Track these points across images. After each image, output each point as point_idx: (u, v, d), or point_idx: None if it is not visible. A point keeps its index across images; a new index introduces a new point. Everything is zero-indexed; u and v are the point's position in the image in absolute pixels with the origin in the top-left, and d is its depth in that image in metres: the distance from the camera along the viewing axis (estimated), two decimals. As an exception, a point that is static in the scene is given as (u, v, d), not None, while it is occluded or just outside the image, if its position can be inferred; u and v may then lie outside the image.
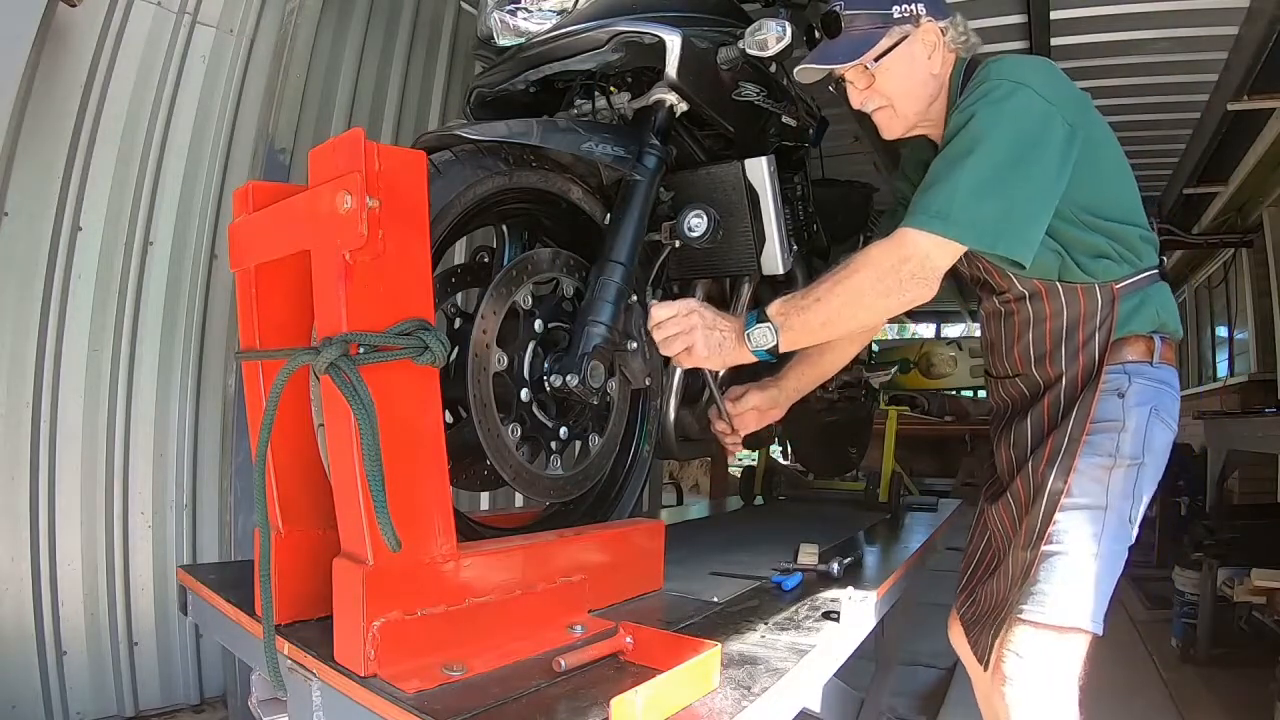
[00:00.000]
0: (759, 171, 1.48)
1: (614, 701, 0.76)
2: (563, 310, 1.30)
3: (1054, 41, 2.82)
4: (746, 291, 1.63)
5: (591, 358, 1.21)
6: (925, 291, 1.18)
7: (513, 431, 1.19)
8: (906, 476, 2.88)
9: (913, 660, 2.73)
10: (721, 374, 1.63)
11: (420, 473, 0.93)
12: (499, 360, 1.18)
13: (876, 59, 1.27)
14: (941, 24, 1.29)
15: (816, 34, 1.32)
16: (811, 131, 1.89)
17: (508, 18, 1.33)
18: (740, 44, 1.40)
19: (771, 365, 1.47)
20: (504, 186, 1.21)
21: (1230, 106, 3.20)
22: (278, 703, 1.09)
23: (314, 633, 1.00)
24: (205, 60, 2.35)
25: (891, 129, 1.36)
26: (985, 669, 1.31)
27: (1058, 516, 1.22)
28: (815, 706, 1.23)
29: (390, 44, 2.90)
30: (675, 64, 1.33)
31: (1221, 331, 6.45)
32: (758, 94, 1.55)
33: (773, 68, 1.63)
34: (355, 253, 0.87)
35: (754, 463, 2.92)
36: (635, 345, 1.28)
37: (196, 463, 2.41)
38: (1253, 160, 3.87)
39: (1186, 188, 4.47)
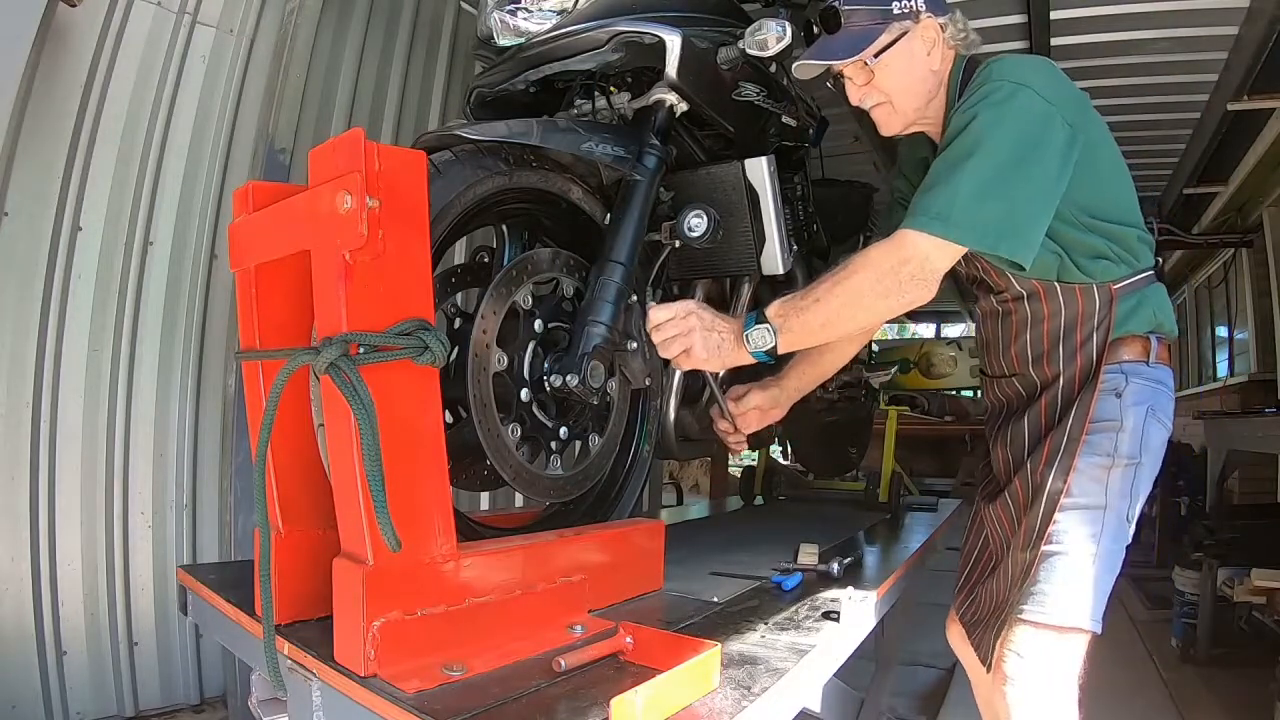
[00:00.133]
0: (759, 171, 1.48)
1: (614, 701, 0.76)
2: (563, 310, 1.30)
3: (1054, 41, 2.82)
4: (746, 292, 1.63)
5: (591, 358, 1.21)
6: (925, 293, 1.18)
7: (513, 431, 1.19)
8: (906, 476, 2.87)
9: (913, 660, 2.73)
10: (722, 374, 1.63)
11: (420, 473, 0.93)
12: (499, 360, 1.18)
13: (876, 55, 1.26)
14: (941, 20, 1.29)
15: (815, 29, 1.31)
16: (811, 131, 1.89)
17: (508, 18, 1.33)
18: (740, 44, 1.40)
19: (771, 365, 1.47)
20: (504, 186, 1.21)
21: (1230, 106, 3.20)
22: (278, 703, 1.09)
23: (314, 633, 1.00)
24: (205, 60, 2.35)
25: (890, 125, 1.36)
26: (988, 670, 1.31)
27: (1057, 516, 1.23)
28: (815, 706, 1.23)
29: (390, 44, 2.90)
30: (675, 64, 1.33)
31: (1221, 331, 6.45)
32: (758, 94, 1.55)
33: (773, 68, 1.63)
34: (355, 253, 0.87)
35: (754, 463, 2.92)
36: (635, 345, 1.28)
37: (196, 463, 2.41)
38: (1253, 160, 3.87)
39: (1186, 188, 4.47)
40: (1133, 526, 1.25)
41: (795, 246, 1.71)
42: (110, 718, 2.17)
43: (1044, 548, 1.23)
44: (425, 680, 0.87)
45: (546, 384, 1.24)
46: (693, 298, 1.65)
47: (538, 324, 1.24)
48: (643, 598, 1.30)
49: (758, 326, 1.24)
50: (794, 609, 1.26)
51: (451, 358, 1.14)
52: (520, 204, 1.34)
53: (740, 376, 1.61)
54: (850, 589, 1.31)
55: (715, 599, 1.31)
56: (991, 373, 1.44)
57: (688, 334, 1.25)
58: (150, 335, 2.30)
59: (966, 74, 1.27)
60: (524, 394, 1.22)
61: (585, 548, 1.19)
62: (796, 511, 2.56)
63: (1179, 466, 4.98)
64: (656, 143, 1.36)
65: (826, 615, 1.22)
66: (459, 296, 1.38)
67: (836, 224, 2.12)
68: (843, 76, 1.34)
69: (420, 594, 0.91)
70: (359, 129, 0.90)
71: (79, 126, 2.10)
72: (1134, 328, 1.26)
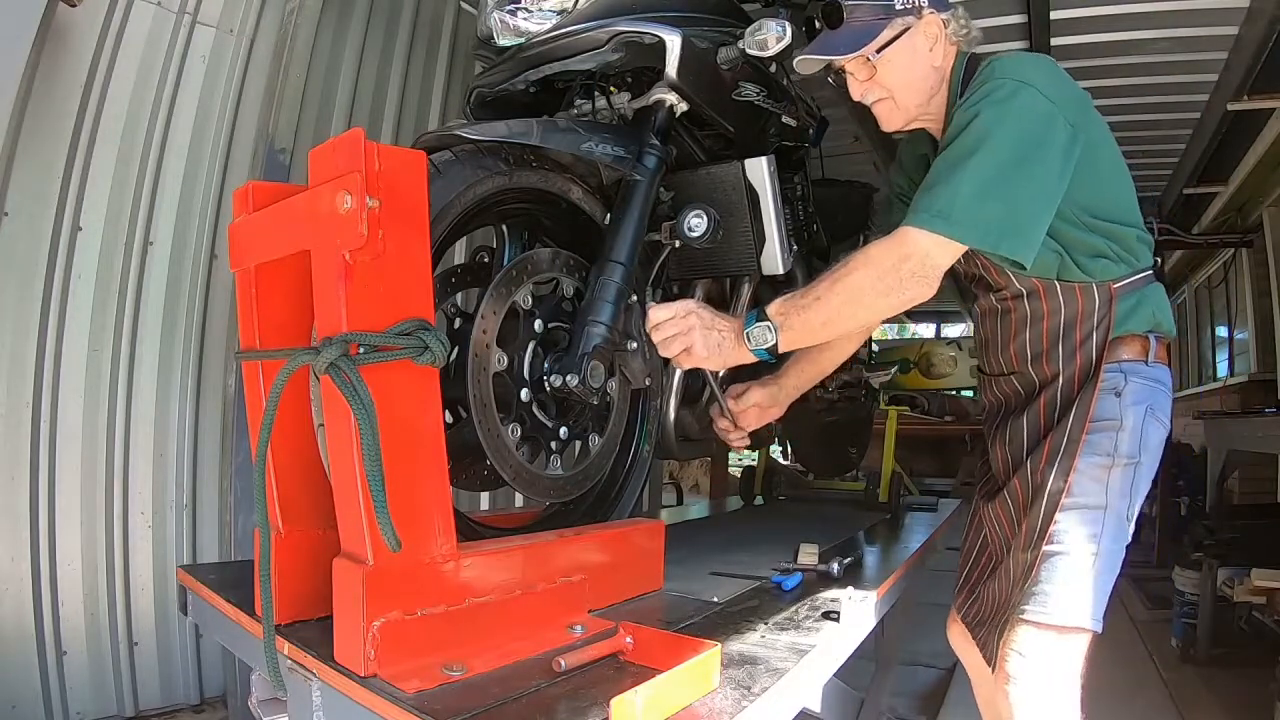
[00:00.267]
0: (759, 171, 1.48)
1: (614, 701, 0.76)
2: (563, 310, 1.30)
3: (1054, 41, 2.82)
4: (746, 291, 1.63)
5: (591, 358, 1.21)
6: (925, 290, 1.18)
7: (513, 431, 1.19)
8: (906, 476, 2.88)
9: (913, 660, 2.73)
10: (722, 374, 1.63)
11: (420, 473, 0.93)
12: (499, 360, 1.18)
13: (878, 51, 1.26)
14: (943, 16, 1.29)
15: (817, 24, 1.31)
16: (811, 131, 1.89)
17: (508, 18, 1.33)
18: (740, 44, 1.40)
19: (771, 364, 1.47)
20: (504, 186, 1.21)
21: (1230, 106, 3.20)
22: (278, 703, 1.09)
23: (314, 633, 1.00)
24: (205, 60, 2.35)
25: (891, 121, 1.36)
26: (992, 669, 1.31)
27: (1058, 516, 1.23)
28: (815, 706, 1.23)
29: (390, 44, 2.90)
30: (675, 64, 1.32)
31: (1221, 331, 6.45)
32: (758, 94, 1.54)
33: (773, 68, 1.63)
34: (355, 253, 0.87)
35: (754, 463, 2.92)
36: (635, 345, 1.28)
37: (196, 463, 2.41)
38: (1253, 160, 3.87)
39: (1186, 188, 4.47)
40: (1132, 526, 1.26)
41: (795, 246, 1.71)
42: (110, 718, 2.17)
43: (1045, 548, 1.23)
44: (425, 680, 0.87)
45: (546, 384, 1.23)
46: (693, 298, 1.65)
47: (538, 324, 1.24)
48: (643, 598, 1.30)
49: (758, 324, 1.24)
50: (794, 609, 1.26)
51: (451, 358, 1.14)
52: (520, 204, 1.34)
53: (740, 376, 1.61)
54: (850, 589, 1.31)
55: (715, 599, 1.31)
56: (990, 371, 1.44)
57: (687, 332, 1.25)
58: (150, 335, 2.30)
59: (968, 71, 1.27)
60: (524, 394, 1.22)
61: (585, 548, 1.19)
62: (796, 511, 2.56)
63: (1179, 466, 4.98)
64: (656, 143, 1.36)
65: (826, 615, 1.22)
66: (459, 296, 1.38)
67: (836, 224, 2.12)
68: (844, 72, 1.34)
69: (420, 594, 0.91)
70: (359, 129, 0.90)
71: (79, 126, 2.10)
72: (1133, 327, 1.27)
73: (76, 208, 2.12)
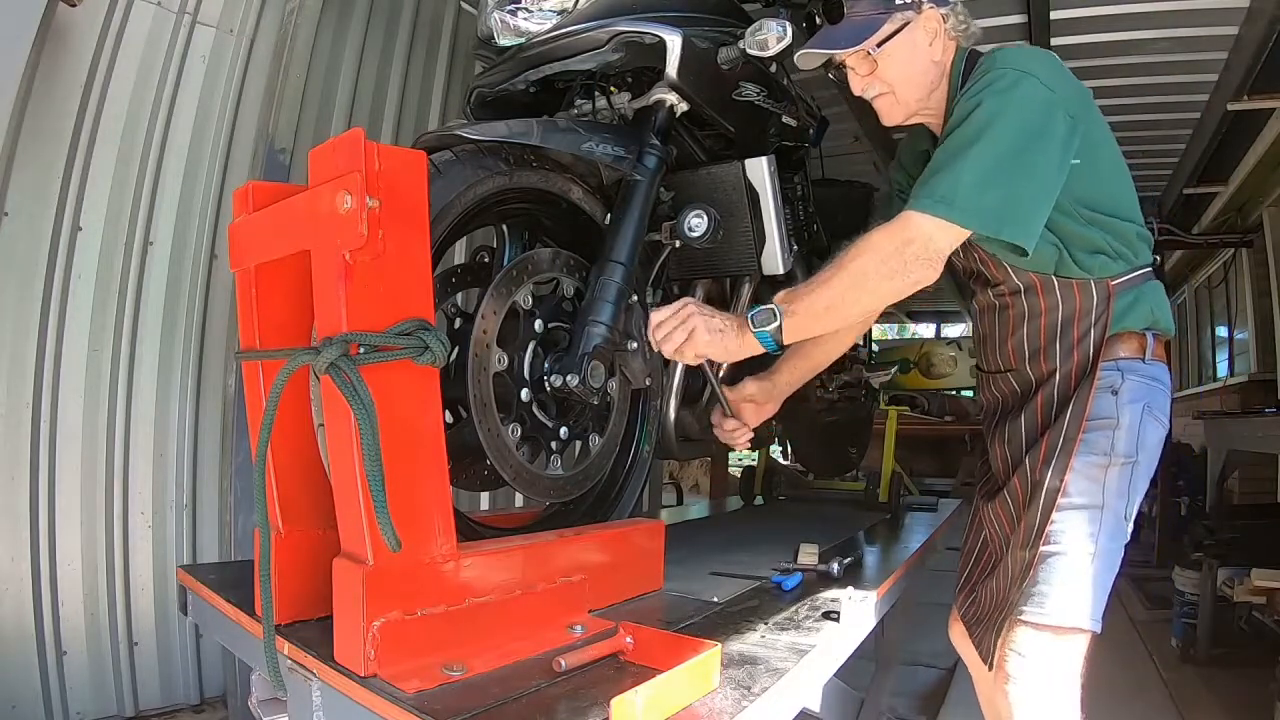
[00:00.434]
0: (759, 171, 1.48)
1: (614, 701, 0.76)
2: (563, 310, 1.30)
3: (1054, 41, 2.82)
4: (747, 291, 1.63)
5: (592, 358, 1.21)
6: (929, 273, 1.18)
7: (513, 431, 1.19)
8: (906, 476, 2.88)
9: (913, 660, 2.73)
10: (722, 374, 1.63)
11: (420, 473, 0.93)
12: (499, 360, 1.18)
13: (878, 45, 1.27)
14: (943, 11, 1.29)
15: (817, 20, 1.32)
16: (811, 131, 1.89)
17: (508, 18, 1.33)
18: (740, 44, 1.40)
19: (771, 359, 1.47)
20: (504, 186, 1.21)
21: (1230, 106, 3.20)
22: (278, 703, 1.09)
23: (314, 633, 1.00)
24: (205, 60, 2.35)
25: (892, 116, 1.36)
26: (990, 669, 1.31)
27: (1055, 516, 1.23)
28: (815, 706, 1.23)
29: (390, 44, 2.90)
30: (675, 64, 1.33)
31: (1221, 331, 6.45)
32: (758, 94, 1.55)
33: (773, 68, 1.63)
34: (355, 253, 0.87)
35: (754, 463, 2.92)
36: (635, 345, 1.28)
37: (196, 463, 2.41)
38: (1253, 160, 3.87)
39: (1186, 188, 4.47)
40: (1131, 525, 1.26)
41: (795, 246, 1.71)
42: (110, 718, 2.17)
43: (1042, 548, 1.23)
44: (425, 680, 0.87)
45: (547, 384, 1.24)
46: (692, 297, 1.65)
47: (538, 324, 1.24)
48: (643, 598, 1.30)
49: (762, 309, 1.25)
50: (794, 609, 1.26)
51: (452, 358, 1.14)
52: (520, 204, 1.34)
53: (738, 378, 1.61)
54: (850, 589, 1.31)
55: (715, 599, 1.31)
56: (987, 368, 1.44)
57: (687, 320, 1.25)
58: (150, 335, 2.30)
59: (968, 66, 1.28)
60: (524, 394, 1.22)
61: (585, 548, 1.19)
62: (796, 511, 2.56)
63: (1179, 466, 4.98)
64: (657, 143, 1.36)
65: (826, 615, 1.22)
66: (459, 296, 1.38)
67: (836, 224, 2.12)
68: (845, 67, 1.34)
69: (420, 594, 0.91)
70: (359, 129, 0.90)
71: (79, 126, 2.10)
72: (1131, 324, 1.26)
73: (76, 208, 2.12)
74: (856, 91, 1.35)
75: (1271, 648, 2.63)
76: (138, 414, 2.27)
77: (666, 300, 1.54)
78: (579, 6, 1.31)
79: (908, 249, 1.16)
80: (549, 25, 1.31)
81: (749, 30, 1.40)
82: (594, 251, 1.32)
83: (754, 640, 1.09)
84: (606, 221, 1.37)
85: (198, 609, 1.28)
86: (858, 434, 2.88)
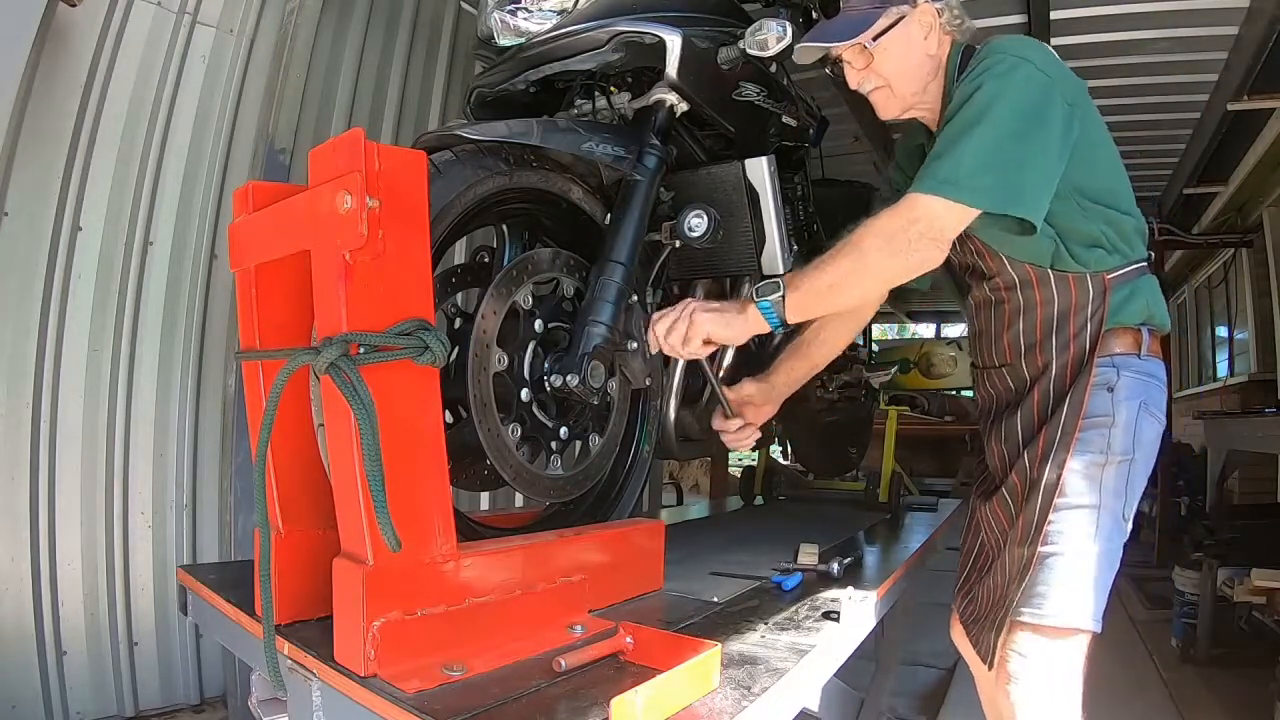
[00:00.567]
0: (759, 171, 1.48)
1: (614, 701, 0.76)
2: (563, 310, 1.30)
3: (1054, 41, 2.82)
4: (747, 292, 1.63)
5: (592, 358, 1.21)
6: (935, 253, 1.19)
7: (513, 431, 1.19)
8: (906, 476, 2.88)
9: (913, 660, 2.73)
10: (722, 374, 1.63)
11: (420, 473, 0.93)
12: (499, 360, 1.18)
13: (874, 39, 1.28)
14: (937, 5, 1.30)
15: (814, 14, 1.33)
16: (812, 131, 1.89)
17: (508, 18, 1.33)
18: (740, 44, 1.40)
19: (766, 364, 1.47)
20: (504, 186, 1.21)
21: (1230, 106, 3.21)
22: (278, 703, 1.09)
23: (314, 633, 1.00)
24: (205, 60, 2.35)
25: (888, 109, 1.37)
26: (989, 668, 1.31)
27: (1053, 516, 1.22)
28: (815, 706, 1.23)
29: (390, 44, 2.90)
30: (675, 64, 1.33)
31: (1221, 331, 6.45)
32: (758, 94, 1.54)
33: (773, 68, 1.63)
34: (355, 253, 0.87)
35: (754, 463, 2.92)
36: (635, 345, 1.28)
37: (196, 463, 2.41)
38: (1253, 160, 3.87)
39: (1186, 188, 4.48)
40: (1129, 524, 1.25)
41: (795, 246, 1.71)
42: (110, 718, 2.17)
43: (1041, 549, 1.22)
44: (425, 680, 0.87)
45: (547, 384, 1.23)
46: (692, 297, 1.65)
47: (538, 324, 1.24)
48: (643, 598, 1.30)
49: (766, 281, 1.25)
50: (794, 609, 1.26)
51: (451, 358, 1.14)
52: (520, 204, 1.34)
53: (738, 378, 1.61)
54: (850, 589, 1.31)
55: (715, 599, 1.31)
56: (983, 364, 1.44)
57: (691, 315, 1.26)
58: (150, 335, 2.30)
59: (964, 60, 1.29)
60: (524, 394, 1.22)
61: (585, 548, 1.19)
62: (796, 511, 2.56)
63: (1179, 466, 4.98)
64: (657, 143, 1.36)
65: (826, 615, 1.22)
66: (459, 296, 1.38)
67: (836, 224, 2.12)
68: (841, 61, 1.35)
69: (420, 594, 0.91)
70: (359, 129, 0.90)
71: (79, 126, 2.10)
72: (1126, 319, 1.27)
73: (76, 208, 2.12)
74: (853, 85, 1.36)
75: (1271, 648, 2.63)
76: (138, 414, 2.27)
77: (666, 300, 1.54)
78: (579, 6, 1.31)
79: (912, 228, 1.17)
80: (549, 25, 1.31)
81: (749, 30, 1.40)
82: (594, 251, 1.32)
83: (754, 640, 1.09)
84: (606, 221, 1.37)
85: (198, 609, 1.28)
86: (858, 434, 2.88)
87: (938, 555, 2.17)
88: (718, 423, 1.56)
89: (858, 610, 1.25)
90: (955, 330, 9.25)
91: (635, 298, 1.35)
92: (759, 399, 1.55)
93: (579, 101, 1.45)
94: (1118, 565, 1.24)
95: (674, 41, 1.32)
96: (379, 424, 0.85)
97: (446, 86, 3.13)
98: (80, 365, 2.15)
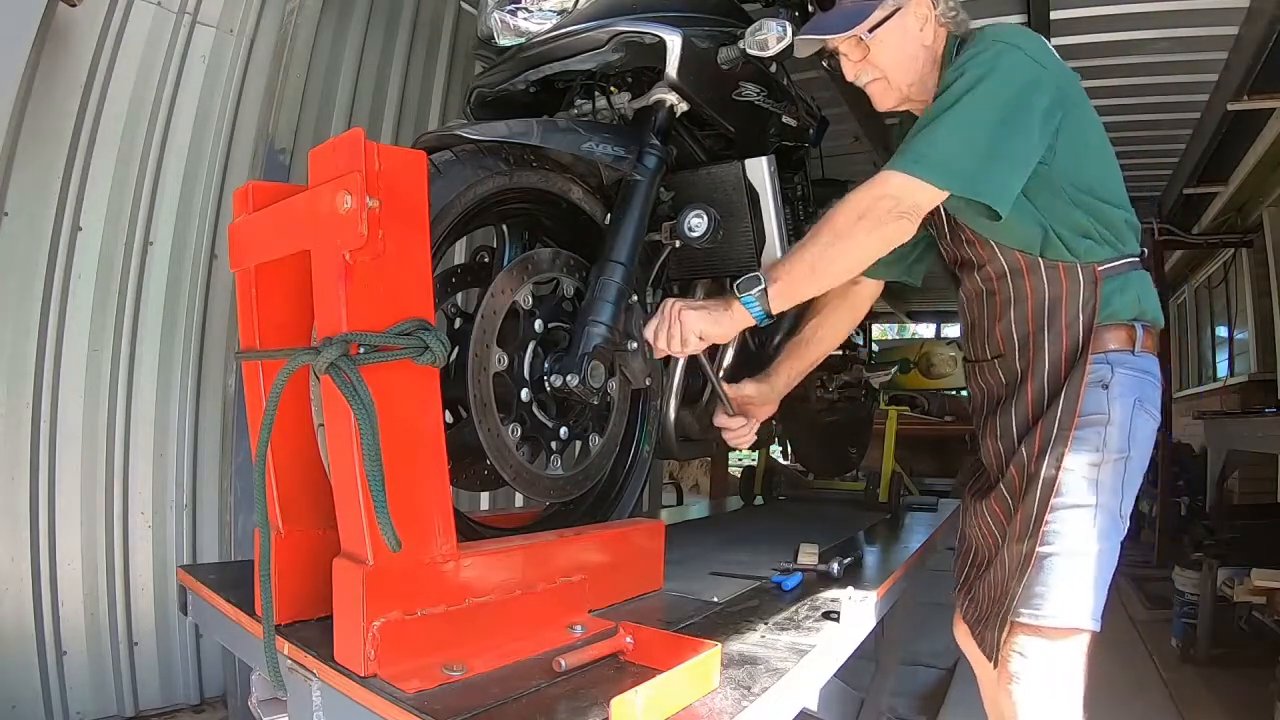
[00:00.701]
0: (759, 171, 1.48)
1: (614, 701, 0.76)
2: (563, 310, 1.30)
3: (1054, 41, 2.79)
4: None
5: (592, 358, 1.21)
6: (907, 226, 1.21)
7: (513, 431, 1.19)
8: (906, 476, 2.88)
9: (913, 660, 2.73)
10: (722, 373, 1.63)
11: (420, 473, 0.93)
12: (499, 360, 1.18)
13: (870, 30, 1.29)
14: None
15: (810, 8, 1.34)
16: (812, 131, 1.89)
17: (508, 18, 1.33)
18: (741, 44, 1.40)
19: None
20: (504, 186, 1.21)
21: (1230, 106, 3.20)
22: (278, 703, 1.09)
23: (314, 633, 1.00)
24: (205, 60, 2.35)
25: (885, 101, 1.38)
26: (994, 665, 1.31)
27: (1050, 516, 1.22)
28: (815, 706, 1.23)
29: (390, 44, 2.90)
30: (675, 64, 1.33)
31: (1221, 331, 6.45)
32: (758, 94, 1.55)
33: (773, 68, 1.63)
34: (355, 253, 0.87)
35: (754, 463, 2.92)
36: (635, 345, 1.28)
37: (196, 463, 2.41)
38: (1253, 160, 3.87)
39: (1186, 188, 4.47)
40: (1126, 521, 1.25)
41: (795, 246, 1.71)
42: (110, 718, 2.17)
43: (1039, 549, 1.22)
44: (425, 680, 0.87)
45: (547, 384, 1.23)
46: (693, 298, 1.66)
47: (538, 324, 1.24)
48: (643, 598, 1.30)
49: (746, 276, 1.27)
50: (794, 609, 1.26)
51: (451, 358, 1.14)
52: (520, 204, 1.34)
53: (739, 378, 1.61)
54: (850, 589, 1.31)
55: (715, 599, 1.31)
56: (975, 357, 1.44)
57: (676, 316, 1.27)
58: (150, 335, 2.30)
59: (959, 52, 1.29)
60: (524, 394, 1.22)
61: (585, 548, 1.19)
62: (796, 511, 2.56)
63: (1179, 466, 4.98)
64: (657, 143, 1.36)
65: (826, 615, 1.22)
66: (459, 296, 1.38)
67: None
68: (838, 54, 1.36)
69: (420, 594, 0.91)
70: (359, 129, 0.90)
71: (79, 126, 2.10)
72: (1119, 312, 1.26)
73: (76, 208, 2.12)
74: (849, 77, 1.37)
75: (1271, 648, 2.63)
76: (138, 414, 2.27)
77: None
78: (579, 6, 1.31)
79: (881, 203, 1.19)
80: (549, 25, 1.31)
81: (749, 30, 1.40)
82: (594, 251, 1.32)
83: (754, 640, 1.09)
84: (606, 221, 1.37)
85: (198, 609, 1.28)
86: (858, 434, 2.88)
87: (938, 555, 2.17)
88: (719, 420, 1.57)
89: (858, 610, 1.25)
90: (955, 330, 9.21)
91: (635, 298, 1.35)
92: (759, 399, 1.56)
93: (579, 101, 1.45)
94: (1116, 563, 1.24)
95: (674, 41, 1.32)
96: (379, 424, 0.85)
97: (446, 86, 3.13)
98: (80, 365, 2.15)
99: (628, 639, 0.99)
